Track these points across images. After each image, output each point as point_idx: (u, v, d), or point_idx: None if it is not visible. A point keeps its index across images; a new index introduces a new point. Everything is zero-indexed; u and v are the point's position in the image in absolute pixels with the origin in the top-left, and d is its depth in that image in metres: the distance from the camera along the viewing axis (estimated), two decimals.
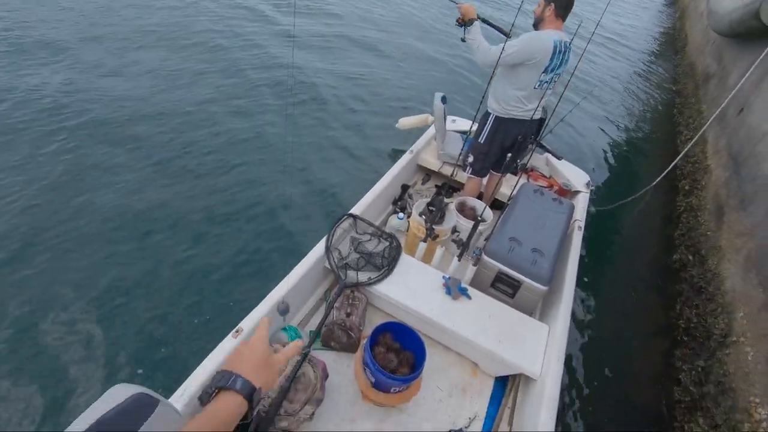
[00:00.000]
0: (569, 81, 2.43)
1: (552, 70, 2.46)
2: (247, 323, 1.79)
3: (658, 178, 4.45)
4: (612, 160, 5.56)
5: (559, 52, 2.39)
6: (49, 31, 5.26)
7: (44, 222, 2.98)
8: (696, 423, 2.48)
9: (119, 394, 0.78)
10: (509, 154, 2.67)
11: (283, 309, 1.91)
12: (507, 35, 2.49)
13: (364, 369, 1.77)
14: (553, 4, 2.35)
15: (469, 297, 2.19)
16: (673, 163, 4.47)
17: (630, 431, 2.61)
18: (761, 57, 4.23)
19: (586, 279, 3.49)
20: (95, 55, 5.00)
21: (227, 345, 1.70)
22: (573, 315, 2.24)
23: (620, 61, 9.57)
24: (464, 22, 2.50)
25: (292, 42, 6.64)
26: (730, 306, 2.86)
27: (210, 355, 1.65)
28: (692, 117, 6.10)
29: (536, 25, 2.49)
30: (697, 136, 4.71)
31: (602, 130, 6.24)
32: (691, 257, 3.62)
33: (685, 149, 4.67)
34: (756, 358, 2.43)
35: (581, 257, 3.65)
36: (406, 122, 4.17)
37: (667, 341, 3.15)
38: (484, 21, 2.58)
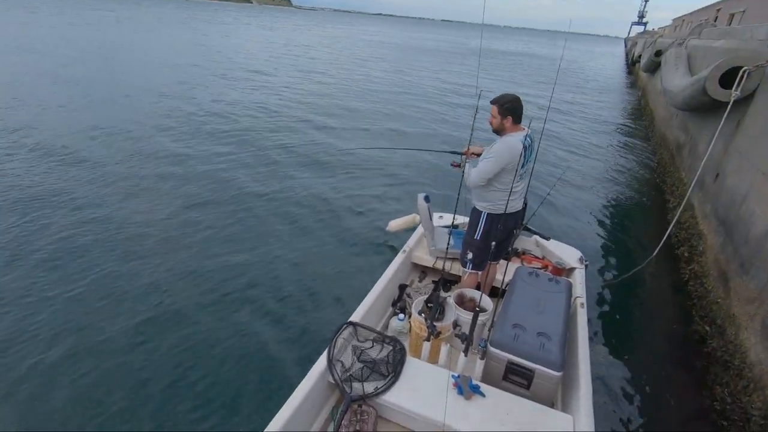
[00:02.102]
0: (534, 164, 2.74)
1: (527, 163, 2.82)
2: None
3: (658, 248, 4.61)
4: (606, 233, 5.79)
5: (527, 146, 2.76)
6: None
7: None
8: None
9: None
10: (494, 243, 2.86)
11: None
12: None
13: None
14: (510, 117, 2.74)
15: (482, 395, 2.17)
16: (667, 232, 4.68)
17: None
18: (720, 127, 4.74)
19: (602, 359, 3.45)
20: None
21: None
22: (596, 401, 2.19)
23: (596, 138, 10.44)
24: (458, 165, 3.04)
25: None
26: (761, 381, 2.78)
27: None
28: (675, 185, 6.53)
29: (498, 133, 2.85)
30: (683, 204, 5.01)
31: (588, 205, 6.59)
32: (708, 328, 3.63)
33: (675, 217, 4.94)
34: None
35: (593, 336, 3.62)
36: (395, 224, 4.44)
37: (707, 424, 3.00)
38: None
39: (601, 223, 6.03)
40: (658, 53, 13.97)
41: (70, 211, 4.98)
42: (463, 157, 3.03)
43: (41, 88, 10.67)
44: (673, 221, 4.92)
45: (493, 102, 2.77)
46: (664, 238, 4.63)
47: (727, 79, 4.72)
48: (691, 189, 5.03)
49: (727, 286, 3.67)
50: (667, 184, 7.00)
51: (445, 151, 3.21)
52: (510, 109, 2.71)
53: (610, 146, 9.97)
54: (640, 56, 22.31)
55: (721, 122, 4.72)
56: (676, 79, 7.17)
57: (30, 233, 4.48)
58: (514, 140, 2.68)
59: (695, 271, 4.39)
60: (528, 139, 2.76)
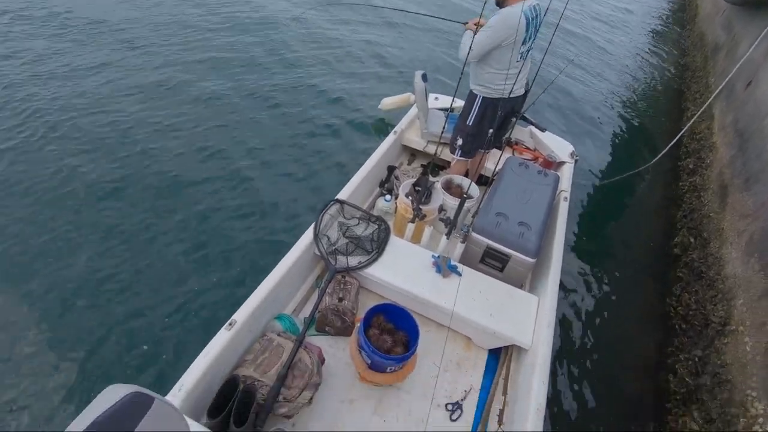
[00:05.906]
0: (548, 46, 2.61)
1: (529, 40, 2.61)
2: (239, 315, 1.93)
3: (659, 155, 4.62)
4: (609, 133, 5.71)
5: (532, 19, 2.52)
6: None
7: None
8: (690, 416, 2.59)
9: (114, 394, 0.84)
10: (491, 130, 2.81)
11: None
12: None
13: (360, 351, 1.95)
14: None
15: (459, 274, 2.38)
16: (675, 139, 4.65)
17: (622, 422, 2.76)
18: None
19: (577, 253, 3.70)
20: None
21: (221, 338, 1.83)
22: (563, 288, 2.44)
23: (621, 26, 9.66)
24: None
25: None
26: (730, 292, 3.00)
27: (204, 349, 1.79)
28: (699, 92, 6.32)
29: (500, 3, 2.58)
30: (701, 110, 4.91)
31: (596, 99, 6.35)
32: (692, 240, 3.84)
33: (689, 124, 4.87)
34: (755, 349, 2.49)
35: (573, 230, 3.76)
36: (388, 103, 4.32)
37: (663, 329, 3.33)
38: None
39: (605, 121, 5.87)
40: None
41: None
42: (466, 30, 2.78)
43: None
44: (684, 129, 4.86)
45: None
46: (669, 146, 4.60)
47: None
48: (715, 95, 4.89)
49: (724, 200, 3.79)
50: (691, 90, 6.77)
51: (449, 20, 3.03)
52: None
53: (637, 38, 9.22)
54: None
55: None
56: None
57: None
58: (514, 11, 2.44)
59: (696, 184, 4.49)
60: (533, 10, 2.51)
